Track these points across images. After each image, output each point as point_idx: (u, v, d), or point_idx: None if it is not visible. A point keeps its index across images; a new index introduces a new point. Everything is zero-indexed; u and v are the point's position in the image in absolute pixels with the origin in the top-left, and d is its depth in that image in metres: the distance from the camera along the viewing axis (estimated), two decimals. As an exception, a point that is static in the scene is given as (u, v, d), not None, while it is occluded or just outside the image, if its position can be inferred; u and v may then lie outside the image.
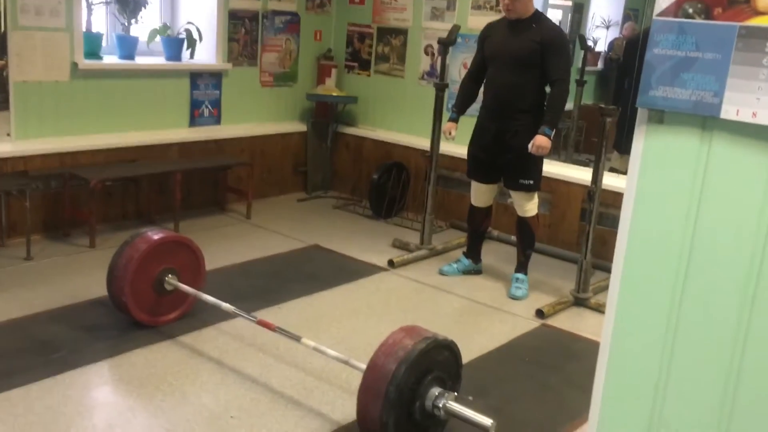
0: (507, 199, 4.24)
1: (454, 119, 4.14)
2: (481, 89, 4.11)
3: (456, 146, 5.32)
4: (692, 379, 1.49)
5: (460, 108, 4.16)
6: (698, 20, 1.32)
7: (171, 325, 3.36)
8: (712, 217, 1.42)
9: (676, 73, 1.36)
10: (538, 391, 3.12)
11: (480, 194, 4.19)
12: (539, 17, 3.86)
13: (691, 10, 1.32)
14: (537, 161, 3.94)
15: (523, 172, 3.95)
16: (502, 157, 3.97)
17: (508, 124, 3.90)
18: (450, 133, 4.15)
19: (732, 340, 1.44)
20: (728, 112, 1.33)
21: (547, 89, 3.89)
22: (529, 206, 4.04)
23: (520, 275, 4.15)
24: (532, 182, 3.97)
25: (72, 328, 3.30)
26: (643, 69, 1.38)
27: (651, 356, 1.52)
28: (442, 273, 4.32)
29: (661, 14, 1.35)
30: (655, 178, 1.46)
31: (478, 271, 4.39)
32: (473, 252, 4.38)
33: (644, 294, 1.52)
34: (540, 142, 3.74)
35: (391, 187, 5.40)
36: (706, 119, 1.38)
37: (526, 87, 3.85)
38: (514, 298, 4.07)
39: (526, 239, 4.12)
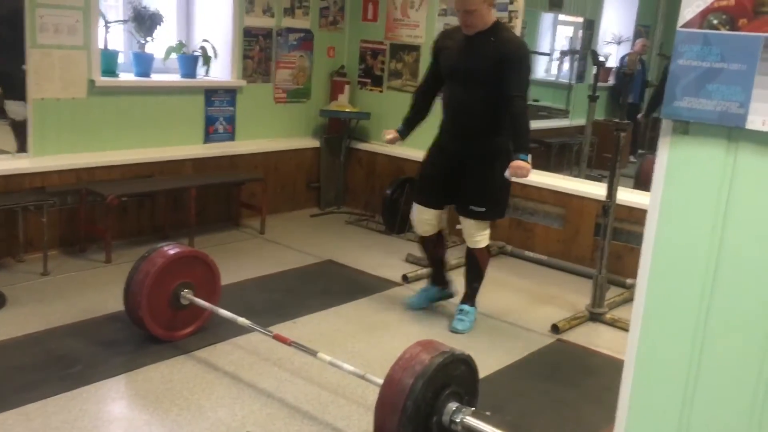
0: (456, 226, 3.81)
1: (400, 132, 3.80)
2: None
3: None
4: (720, 393, 1.47)
5: (410, 122, 3.82)
6: (723, 31, 1.33)
7: (187, 339, 3.36)
8: (739, 230, 1.41)
9: (701, 84, 1.36)
10: (554, 407, 3.09)
11: (422, 222, 3.77)
12: (498, 29, 3.48)
13: (715, 21, 1.32)
14: (496, 190, 3.59)
15: (475, 198, 3.58)
16: (457, 182, 3.61)
17: (469, 146, 3.56)
18: (390, 137, 3.77)
19: (760, 354, 1.42)
20: (754, 123, 1.33)
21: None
22: (479, 237, 3.67)
23: (465, 306, 3.78)
24: (483, 210, 3.58)
25: (88, 342, 3.30)
26: (668, 80, 1.38)
27: (677, 370, 1.50)
28: (409, 306, 3.93)
29: (685, 25, 1.36)
30: (679, 189, 1.45)
31: (449, 296, 4.01)
32: (438, 278, 3.99)
33: (670, 307, 1.51)
34: (520, 165, 3.34)
35: (404, 203, 5.40)
36: (731, 130, 1.38)
37: (485, 107, 3.48)
38: (454, 331, 3.68)
39: (473, 271, 3.78)
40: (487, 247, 3.76)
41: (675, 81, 1.39)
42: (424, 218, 3.75)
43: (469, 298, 3.81)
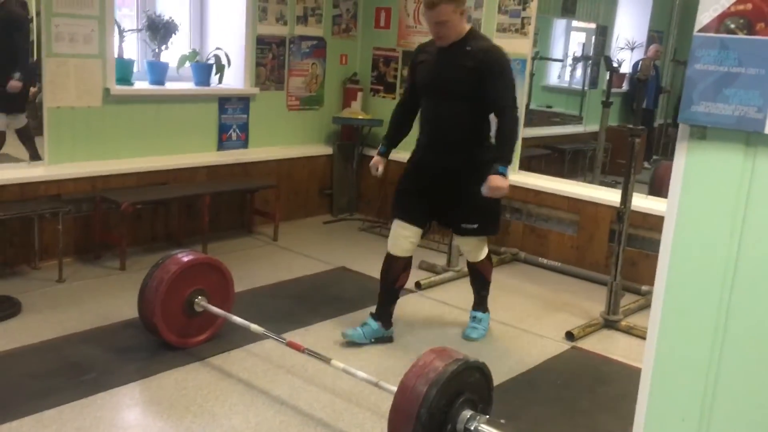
0: (453, 242, 3.66)
1: (384, 153, 3.64)
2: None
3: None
4: (739, 400, 1.45)
5: (391, 140, 3.63)
6: (740, 35, 1.32)
7: (200, 346, 3.37)
8: (757, 235, 1.39)
9: (719, 89, 1.35)
10: (569, 415, 3.06)
11: (402, 239, 3.47)
12: (474, 37, 3.29)
13: (732, 26, 1.31)
14: (487, 202, 3.35)
15: (465, 215, 3.45)
16: (440, 199, 3.43)
17: (447, 162, 3.37)
18: (377, 169, 3.63)
19: (779, 361, 1.40)
20: (773, 128, 1.32)
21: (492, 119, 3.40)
22: (477, 252, 3.62)
23: (477, 313, 3.75)
24: (476, 226, 3.46)
25: (103, 349, 3.32)
26: (685, 85, 1.37)
27: (696, 378, 1.49)
28: (345, 336, 3.52)
29: (702, 30, 1.34)
30: (697, 195, 1.43)
31: (388, 339, 3.58)
32: (384, 314, 3.57)
33: (688, 314, 1.49)
34: (494, 182, 3.20)
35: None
36: (749, 135, 1.37)
37: (465, 120, 3.32)
38: (468, 339, 3.65)
39: (478, 282, 3.75)
40: (488, 256, 3.69)
41: (692, 86, 1.37)
42: (405, 234, 3.47)
43: (480, 305, 3.78)
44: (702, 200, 1.44)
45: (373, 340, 3.54)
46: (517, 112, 3.31)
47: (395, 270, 3.53)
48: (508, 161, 3.26)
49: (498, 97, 3.25)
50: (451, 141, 3.37)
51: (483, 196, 3.27)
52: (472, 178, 3.31)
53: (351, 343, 3.54)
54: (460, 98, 3.29)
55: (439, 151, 3.41)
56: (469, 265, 3.71)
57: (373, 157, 3.62)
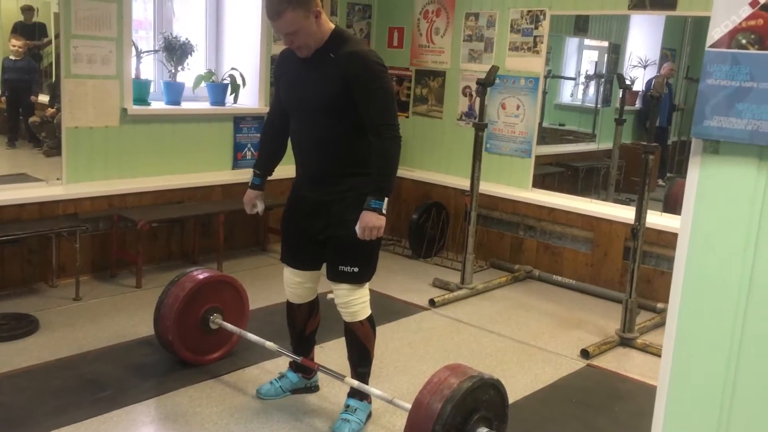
0: (328, 296, 3.05)
1: (257, 186, 3.07)
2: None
3: (496, 186, 5.34)
4: (755, 417, 1.44)
5: (264, 168, 3.07)
6: (752, 50, 1.33)
7: (215, 363, 3.38)
8: (772, 249, 1.39)
9: (731, 104, 1.36)
10: (586, 434, 3.04)
11: (295, 286, 3.00)
12: (338, 41, 2.67)
13: (744, 41, 1.32)
14: (367, 242, 2.73)
15: (344, 256, 2.79)
16: (321, 237, 2.85)
17: (324, 192, 2.79)
18: (254, 206, 3.10)
19: (797, 376, 1.39)
20: (786, 142, 1.32)
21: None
22: (356, 306, 2.85)
23: (351, 401, 2.95)
24: (356, 270, 2.79)
25: (119, 367, 3.34)
26: (697, 99, 1.39)
27: (712, 395, 1.48)
28: (260, 396, 3.12)
29: (713, 45, 1.36)
30: (711, 210, 1.44)
31: (312, 388, 3.21)
32: (303, 364, 3.11)
33: (703, 330, 1.48)
34: (369, 221, 2.64)
35: (430, 227, 5.41)
36: (763, 149, 1.37)
37: (338, 143, 2.72)
38: None
39: (355, 352, 2.93)
40: (371, 320, 2.92)
41: (704, 100, 1.39)
42: (298, 281, 2.99)
43: (357, 389, 2.93)
44: (716, 215, 1.44)
45: (293, 392, 3.16)
46: (396, 130, 2.68)
47: (300, 318, 3.08)
48: (383, 193, 2.65)
49: (368, 113, 2.64)
50: (323, 167, 2.79)
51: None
52: (349, 212, 2.74)
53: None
54: (328, 116, 2.70)
55: (311, 179, 2.84)
56: (345, 327, 2.93)
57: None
